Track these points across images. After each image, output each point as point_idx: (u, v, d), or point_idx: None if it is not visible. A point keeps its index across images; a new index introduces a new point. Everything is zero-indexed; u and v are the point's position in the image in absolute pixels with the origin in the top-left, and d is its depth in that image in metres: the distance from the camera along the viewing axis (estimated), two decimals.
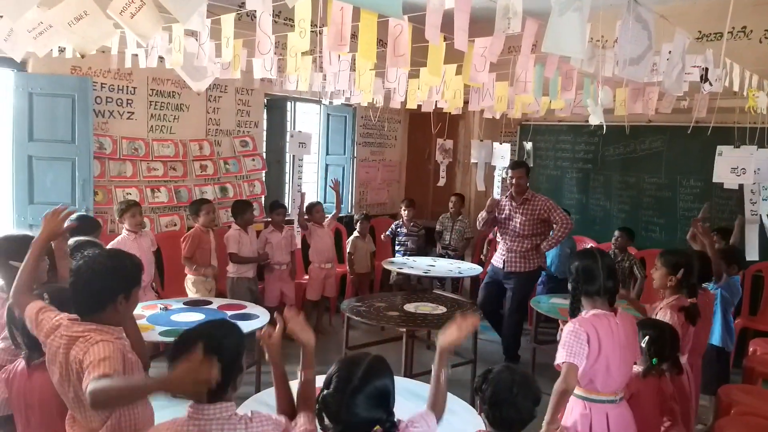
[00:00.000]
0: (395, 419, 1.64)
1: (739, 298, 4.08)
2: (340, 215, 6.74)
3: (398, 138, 7.63)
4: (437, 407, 1.84)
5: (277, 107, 6.27)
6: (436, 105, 4.85)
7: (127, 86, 4.92)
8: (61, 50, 3.89)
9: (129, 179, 4.94)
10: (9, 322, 2.17)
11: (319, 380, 2.53)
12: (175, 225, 5.25)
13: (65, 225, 2.26)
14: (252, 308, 4.15)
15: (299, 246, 5.59)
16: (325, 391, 1.60)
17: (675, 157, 5.81)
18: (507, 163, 6.17)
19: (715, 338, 3.89)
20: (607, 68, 3.24)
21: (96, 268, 1.87)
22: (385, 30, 2.62)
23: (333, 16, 2.51)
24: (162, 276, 4.94)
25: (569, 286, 2.50)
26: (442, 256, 6.33)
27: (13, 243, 2.51)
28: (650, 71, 2.98)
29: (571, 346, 2.27)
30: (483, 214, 5.13)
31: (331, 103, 5.81)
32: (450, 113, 5.67)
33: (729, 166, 3.93)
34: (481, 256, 6.41)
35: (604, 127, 3.95)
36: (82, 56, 2.79)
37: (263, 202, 5.98)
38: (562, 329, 2.46)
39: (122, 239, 4.27)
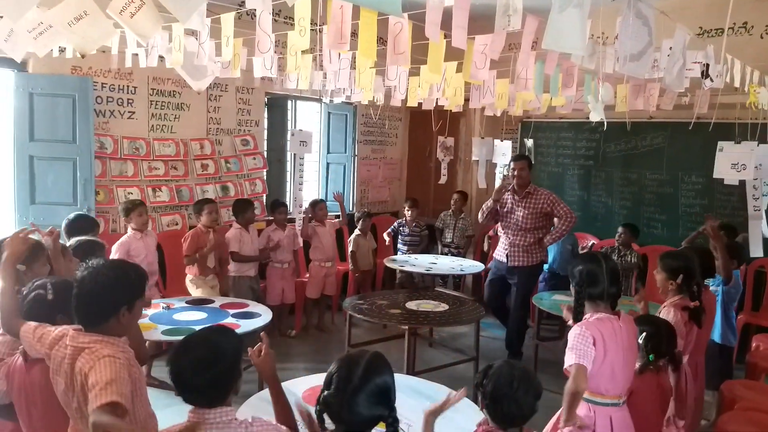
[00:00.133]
0: (397, 414, 1.64)
1: (740, 293, 4.07)
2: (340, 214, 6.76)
3: (399, 136, 7.63)
4: None
5: (277, 106, 6.27)
6: (436, 103, 4.85)
7: (128, 86, 4.92)
8: (62, 50, 3.90)
9: (130, 179, 4.94)
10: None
11: (320, 378, 2.54)
12: (177, 224, 5.26)
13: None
14: (254, 306, 4.16)
15: (301, 245, 5.60)
16: (326, 392, 1.60)
17: (676, 154, 5.81)
18: (508, 160, 6.17)
19: (716, 335, 3.89)
20: (607, 65, 3.24)
21: (99, 280, 1.86)
22: (385, 28, 2.62)
23: (333, 15, 2.51)
24: (164, 275, 4.94)
25: (572, 290, 2.50)
26: (444, 253, 6.33)
27: None
28: (651, 67, 2.97)
29: (579, 348, 2.27)
30: (489, 203, 5.12)
31: (331, 101, 5.81)
32: (451, 111, 5.66)
33: (729, 161, 3.93)
34: (483, 249, 6.40)
35: (605, 123, 3.94)
36: (83, 56, 2.80)
37: (264, 201, 5.98)
38: (567, 323, 2.47)
39: (129, 238, 4.29)
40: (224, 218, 5.42)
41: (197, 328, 2.04)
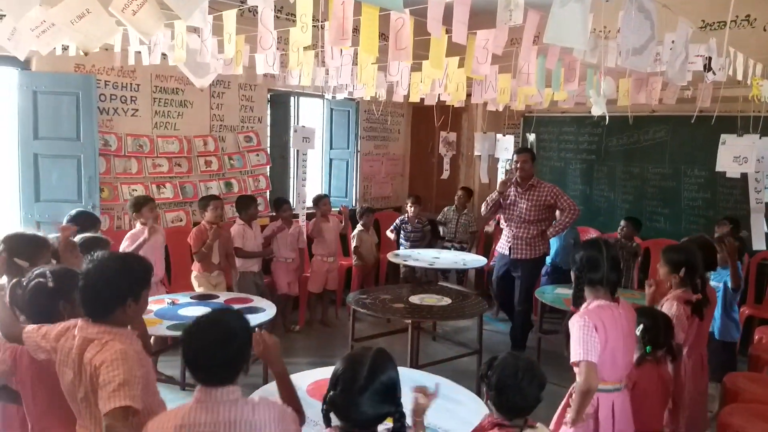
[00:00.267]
0: (403, 410, 1.66)
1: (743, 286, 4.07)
2: None
3: (401, 131, 7.63)
4: None
5: (280, 102, 6.28)
6: (439, 98, 4.86)
7: (131, 83, 4.94)
8: (65, 48, 3.91)
9: (134, 176, 4.96)
10: (12, 302, 2.18)
11: (324, 372, 2.56)
12: (181, 221, 5.28)
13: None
14: (259, 302, 4.19)
15: (305, 243, 5.62)
16: (332, 392, 1.61)
17: (679, 147, 5.80)
18: (510, 155, 6.17)
19: (715, 331, 3.86)
20: (609, 59, 3.24)
21: (105, 273, 1.87)
22: (387, 23, 2.63)
23: (334, 11, 2.52)
24: (169, 271, 4.97)
25: (572, 275, 2.52)
26: (447, 248, 6.34)
27: (21, 242, 2.53)
28: (653, 61, 2.98)
29: (585, 342, 2.28)
30: (494, 195, 5.13)
31: (334, 97, 5.82)
32: (453, 106, 5.66)
33: (732, 154, 3.93)
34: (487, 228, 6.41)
35: (607, 117, 3.95)
36: (86, 54, 2.81)
37: (268, 197, 6.00)
38: (570, 315, 2.48)
39: (138, 232, 4.31)
40: (228, 215, 5.44)
41: None
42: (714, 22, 5.18)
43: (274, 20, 2.97)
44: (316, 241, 5.64)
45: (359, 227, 6.05)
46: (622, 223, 5.31)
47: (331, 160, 7.07)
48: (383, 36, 2.60)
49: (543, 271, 5.49)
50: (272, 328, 4.47)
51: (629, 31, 2.52)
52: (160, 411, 1.91)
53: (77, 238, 2.98)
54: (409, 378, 1.72)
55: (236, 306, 3.98)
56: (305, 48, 3.35)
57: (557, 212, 5.11)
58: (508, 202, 5.12)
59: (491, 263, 5.91)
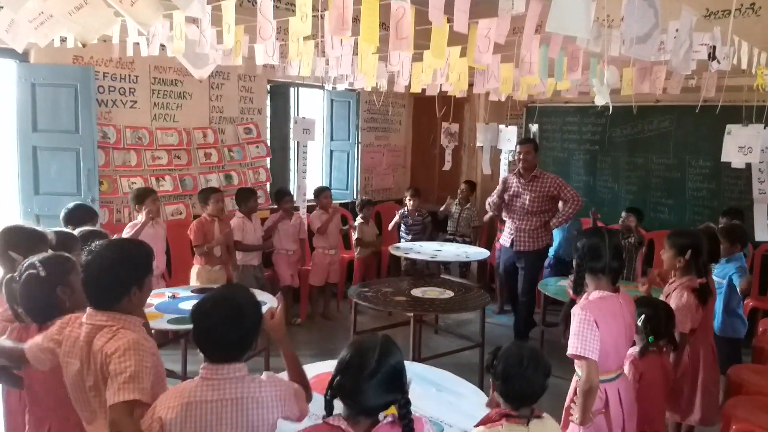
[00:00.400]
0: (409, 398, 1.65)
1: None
2: (346, 201, 6.77)
3: (403, 123, 7.59)
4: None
5: (280, 93, 6.24)
6: (440, 88, 4.82)
7: (130, 75, 4.90)
8: (63, 40, 3.88)
9: (134, 168, 4.94)
10: (9, 300, 2.16)
11: (326, 366, 2.54)
12: (181, 213, 5.26)
13: None
14: (259, 295, 4.14)
15: (306, 234, 5.60)
16: (340, 377, 1.60)
17: (683, 137, 5.76)
18: (513, 146, 6.13)
19: (716, 327, 3.84)
20: (613, 48, 3.20)
21: (105, 263, 1.86)
22: (388, 13, 2.59)
23: (334, 0, 2.48)
24: (169, 264, 4.95)
25: (574, 263, 2.51)
26: (449, 241, 6.31)
27: (19, 235, 2.51)
28: (657, 50, 2.94)
29: (585, 337, 2.26)
30: (495, 199, 5.11)
31: (334, 88, 5.78)
32: (455, 96, 5.62)
33: (737, 145, 3.90)
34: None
35: (611, 107, 3.91)
36: (84, 45, 2.78)
37: (268, 190, 5.98)
38: (570, 303, 2.48)
39: (139, 223, 4.30)
40: (228, 207, 5.42)
41: None
42: (718, 11, 5.13)
43: (273, 10, 2.94)
44: (316, 234, 5.62)
45: (359, 219, 6.03)
46: (624, 214, 5.28)
47: (331, 151, 7.03)
48: (384, 25, 2.56)
49: (546, 263, 5.47)
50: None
51: (633, 20, 2.49)
52: None
53: (75, 232, 2.96)
54: (411, 371, 1.70)
55: None
56: (305, 38, 3.31)
57: (560, 203, 5.09)
58: (512, 193, 5.10)
59: (496, 257, 5.89)
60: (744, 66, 3.78)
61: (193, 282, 4.63)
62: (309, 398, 1.88)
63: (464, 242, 6.24)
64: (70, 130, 4.53)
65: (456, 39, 2.99)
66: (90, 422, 1.92)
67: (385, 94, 6.18)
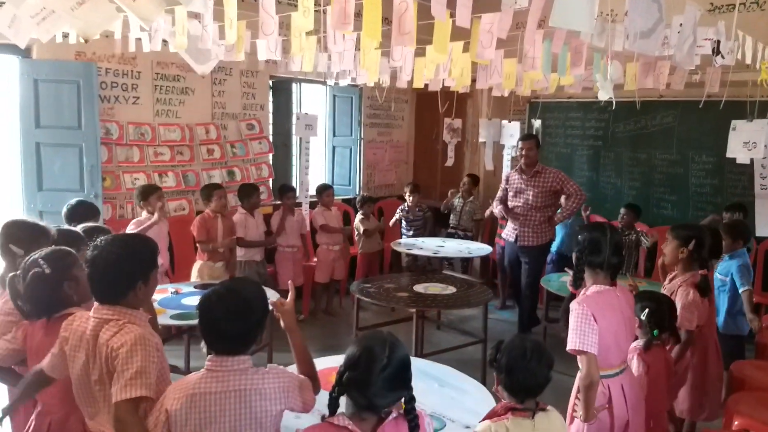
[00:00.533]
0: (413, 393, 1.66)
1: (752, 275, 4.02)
2: (348, 197, 6.76)
3: (405, 118, 7.58)
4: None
5: (282, 89, 6.23)
6: (443, 84, 4.80)
7: (132, 71, 4.90)
8: (65, 36, 3.88)
9: (136, 164, 4.95)
10: (14, 297, 2.16)
11: (329, 360, 2.54)
12: (184, 209, 5.27)
13: None
14: None
15: (308, 229, 5.60)
16: (349, 373, 1.60)
17: (687, 133, 5.73)
18: (516, 141, 6.12)
19: (719, 324, 3.83)
20: (617, 42, 3.18)
21: (110, 258, 1.86)
22: (390, 7, 2.58)
23: None
24: (172, 261, 4.96)
25: (573, 257, 2.50)
26: (451, 236, 6.30)
27: (20, 229, 2.50)
28: (661, 45, 2.92)
29: (583, 332, 2.26)
30: (500, 209, 5.21)
31: (336, 83, 5.76)
32: (458, 92, 5.61)
33: (742, 140, 3.88)
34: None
35: (614, 102, 3.90)
36: (86, 41, 2.77)
37: (271, 185, 5.98)
38: (569, 297, 2.48)
39: (144, 220, 4.32)
40: (231, 203, 5.43)
41: None
42: (723, 5, 5.10)
43: (275, 5, 2.93)
44: (320, 231, 5.63)
45: (360, 216, 6.01)
46: (622, 210, 5.26)
47: (334, 147, 7.03)
48: (386, 20, 2.55)
49: (548, 259, 5.47)
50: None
51: (637, 14, 2.47)
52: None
53: (79, 228, 2.96)
54: (414, 367, 1.70)
55: None
56: (307, 33, 3.30)
57: (562, 198, 5.09)
58: (515, 190, 5.11)
59: (496, 253, 5.90)
60: (748, 61, 3.76)
61: (195, 278, 4.64)
62: (317, 390, 1.89)
63: (466, 237, 6.23)
64: (73, 126, 4.54)
65: (459, 34, 2.98)
66: (92, 417, 1.93)
67: (387, 89, 6.16)
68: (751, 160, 4.09)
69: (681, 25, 2.98)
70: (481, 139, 6.75)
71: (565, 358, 2.35)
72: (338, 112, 6.94)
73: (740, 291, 3.68)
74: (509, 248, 5.28)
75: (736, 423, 2.83)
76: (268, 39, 3.13)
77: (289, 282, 2.14)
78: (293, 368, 1.99)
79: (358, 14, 2.49)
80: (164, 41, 3.73)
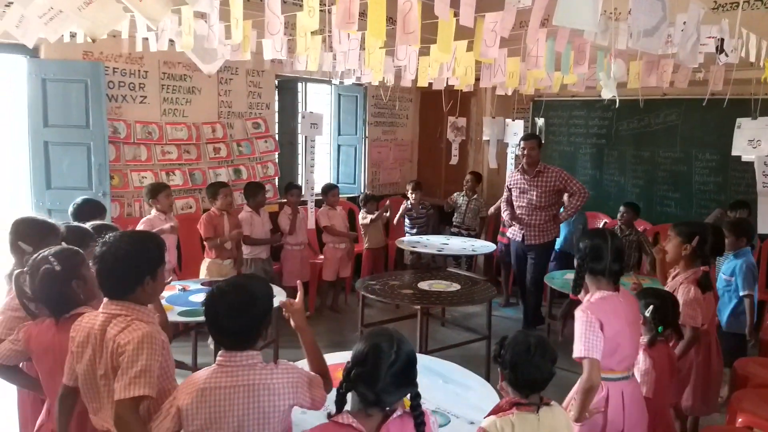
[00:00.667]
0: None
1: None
2: (353, 195, 6.78)
3: (410, 117, 7.60)
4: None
5: (288, 88, 6.26)
6: (447, 82, 4.82)
7: (139, 70, 4.94)
8: (73, 35, 3.91)
9: (144, 163, 4.98)
10: (20, 295, 2.17)
11: (334, 357, 2.57)
12: (191, 207, 5.31)
13: None
14: None
15: (313, 226, 5.63)
16: (357, 369, 1.60)
17: (690, 131, 5.74)
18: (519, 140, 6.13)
19: (723, 322, 3.84)
20: (620, 41, 3.19)
21: (118, 254, 1.88)
22: (394, 7, 2.60)
23: None
24: (179, 258, 5.00)
25: (575, 263, 2.52)
26: (455, 234, 6.32)
27: (29, 226, 2.52)
28: (665, 43, 2.93)
29: (588, 339, 2.27)
30: (507, 213, 5.25)
31: (341, 83, 5.79)
32: (461, 91, 5.63)
33: (746, 138, 3.89)
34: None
35: (617, 101, 3.91)
36: (93, 41, 2.80)
37: (277, 184, 6.01)
38: (568, 304, 2.50)
39: (153, 218, 4.36)
40: (237, 201, 5.46)
41: None
42: (726, 3, 5.10)
43: (281, 5, 2.95)
44: (324, 231, 5.66)
45: (363, 213, 6.02)
46: (622, 208, 5.27)
47: (339, 146, 7.05)
48: (391, 20, 2.58)
49: (552, 256, 5.48)
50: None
51: (640, 13, 2.48)
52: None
53: (87, 225, 2.99)
54: (418, 363, 1.72)
55: None
56: (312, 33, 3.32)
57: (565, 196, 5.11)
58: (519, 189, 5.13)
59: (498, 250, 5.92)
60: (752, 59, 3.76)
61: (204, 275, 4.67)
62: (329, 388, 1.89)
63: (470, 236, 6.25)
64: (81, 125, 4.58)
65: (463, 33, 3.00)
66: (96, 413, 1.95)
67: (392, 88, 6.19)
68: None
69: (684, 23, 2.98)
70: (484, 138, 6.77)
71: (567, 354, 2.37)
72: (343, 110, 6.96)
73: (741, 294, 3.68)
74: (516, 246, 5.31)
75: (739, 420, 2.85)
76: (273, 38, 3.15)
77: (298, 282, 2.15)
78: (303, 363, 2.01)
79: (363, 14, 2.51)
80: (171, 41, 3.76)
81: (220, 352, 1.77)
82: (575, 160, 6.61)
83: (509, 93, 5.45)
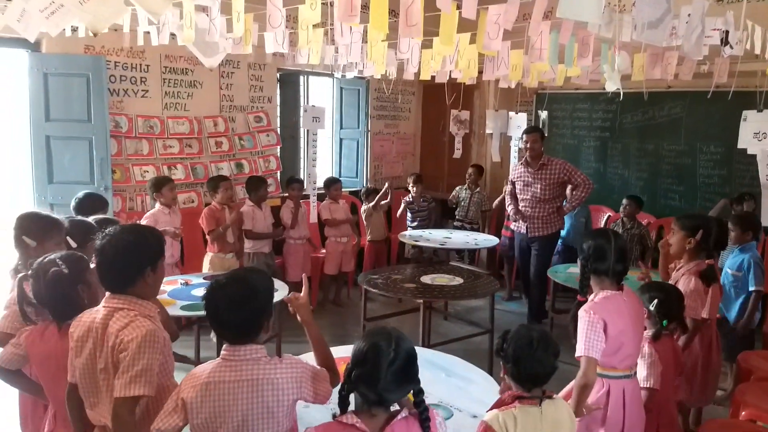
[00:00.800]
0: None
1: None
2: (356, 189, 6.77)
3: (412, 110, 7.57)
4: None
5: (290, 82, 6.25)
6: (450, 75, 4.80)
7: (141, 64, 4.93)
8: (74, 29, 3.90)
9: (146, 157, 4.98)
10: (20, 300, 2.17)
11: (337, 350, 2.56)
12: (193, 202, 5.30)
13: None
14: None
15: (315, 220, 5.63)
16: (358, 369, 1.60)
17: (695, 123, 5.71)
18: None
19: (732, 316, 3.82)
20: (624, 33, 3.17)
21: (119, 246, 1.89)
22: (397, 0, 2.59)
23: None
24: (182, 252, 5.00)
25: (578, 263, 2.51)
26: (458, 228, 6.31)
27: (33, 222, 2.53)
28: (669, 35, 2.91)
29: (589, 338, 2.29)
30: (512, 207, 5.25)
31: (343, 76, 5.77)
32: (464, 84, 5.59)
33: (752, 131, 3.87)
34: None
35: (622, 93, 3.89)
36: (95, 35, 2.79)
37: (279, 178, 6.00)
38: (577, 304, 2.50)
39: (157, 212, 4.37)
40: (239, 195, 5.45)
41: None
42: None
43: None
44: (326, 225, 5.66)
45: (365, 205, 6.02)
46: (624, 201, 5.27)
47: (341, 139, 7.04)
48: (393, 12, 2.56)
49: (555, 249, 5.48)
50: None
51: (645, 5, 2.47)
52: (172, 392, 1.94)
53: (90, 219, 2.99)
54: (421, 357, 1.72)
55: None
56: (314, 26, 3.31)
57: (568, 188, 5.10)
58: (523, 182, 5.12)
59: (501, 244, 5.91)
60: (757, 51, 3.72)
61: (206, 269, 4.68)
62: (335, 381, 1.88)
63: (473, 229, 6.24)
64: (83, 120, 4.57)
65: (465, 25, 2.98)
66: (93, 407, 1.95)
67: (394, 81, 6.16)
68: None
69: (689, 15, 2.96)
70: (488, 131, 6.74)
71: (570, 349, 2.37)
72: (345, 104, 6.95)
73: (750, 289, 3.67)
74: (519, 238, 5.31)
75: (743, 413, 2.85)
76: (275, 32, 3.14)
77: (303, 275, 2.14)
78: (308, 357, 2.01)
79: (365, 6, 2.50)
80: (172, 35, 3.75)
81: (224, 346, 1.77)
82: (579, 153, 6.58)
83: (512, 86, 5.41)
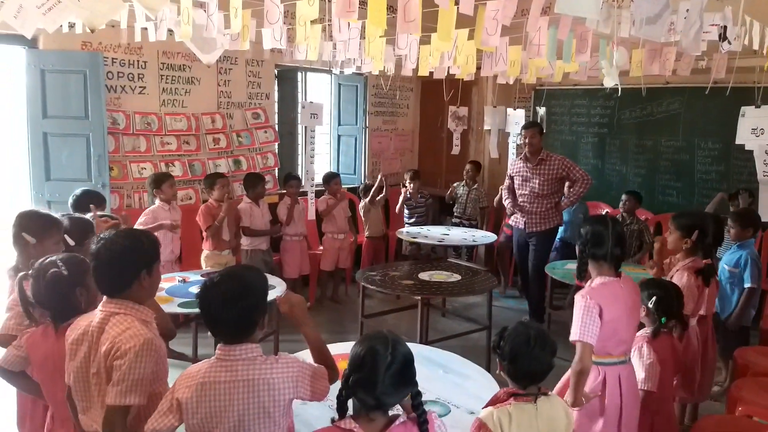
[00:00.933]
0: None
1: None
2: (354, 186, 6.77)
3: (410, 107, 7.57)
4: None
5: (287, 78, 6.23)
6: (448, 71, 4.79)
7: (138, 60, 4.91)
8: (71, 26, 3.89)
9: (143, 154, 4.97)
10: (22, 300, 2.16)
11: (335, 349, 2.56)
12: (191, 199, 5.29)
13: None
14: (269, 279, 4.19)
15: (313, 217, 5.63)
16: (355, 374, 1.58)
17: (693, 119, 5.71)
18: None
19: (726, 312, 3.82)
20: (623, 29, 3.17)
21: (114, 249, 1.89)
22: None
23: None
24: (179, 249, 4.99)
25: (577, 249, 2.52)
26: (456, 225, 6.31)
27: (33, 220, 2.52)
28: (667, 31, 2.91)
29: (584, 323, 2.30)
30: (509, 201, 5.25)
31: (341, 72, 5.76)
32: (463, 80, 5.60)
33: (750, 127, 3.87)
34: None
35: (620, 89, 3.89)
36: (92, 31, 2.78)
37: (277, 174, 5.99)
38: (575, 289, 2.51)
39: (157, 208, 4.36)
40: (237, 192, 5.45)
41: None
42: None
43: None
44: (325, 219, 5.65)
45: (363, 201, 6.01)
46: (624, 197, 5.27)
47: (339, 136, 7.03)
48: (391, 8, 2.56)
49: (553, 246, 5.48)
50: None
51: (643, 0, 2.46)
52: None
53: (89, 215, 2.99)
54: (418, 354, 1.72)
55: None
56: (312, 22, 3.30)
57: (566, 184, 5.11)
58: (521, 178, 5.12)
59: (500, 240, 5.91)
60: (756, 47, 3.72)
61: (203, 267, 4.67)
62: (334, 378, 1.87)
63: (471, 226, 6.24)
64: (80, 116, 4.56)
65: (463, 21, 2.97)
66: (85, 412, 1.95)
67: (392, 77, 6.15)
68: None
69: (687, 10, 2.95)
70: (486, 127, 6.74)
71: (567, 345, 2.38)
72: (343, 100, 6.93)
73: (746, 285, 3.67)
74: (517, 234, 5.31)
75: (739, 409, 2.85)
76: (273, 28, 3.13)
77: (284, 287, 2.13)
78: (306, 354, 2.01)
79: (363, 2, 2.49)
80: (170, 31, 3.73)
81: (219, 346, 1.75)
82: (577, 149, 6.59)
83: (511, 82, 5.42)
